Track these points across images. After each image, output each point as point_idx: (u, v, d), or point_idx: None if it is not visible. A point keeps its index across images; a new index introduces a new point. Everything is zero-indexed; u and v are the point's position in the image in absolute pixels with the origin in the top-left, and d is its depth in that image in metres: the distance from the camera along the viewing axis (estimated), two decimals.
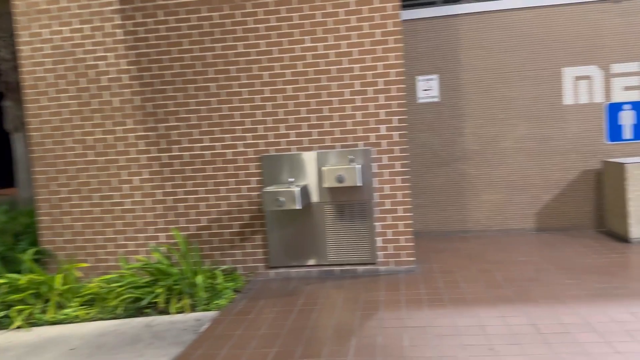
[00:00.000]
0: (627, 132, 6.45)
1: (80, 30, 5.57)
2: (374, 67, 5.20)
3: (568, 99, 6.54)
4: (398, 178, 5.25)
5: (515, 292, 4.46)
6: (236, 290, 5.13)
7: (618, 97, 6.44)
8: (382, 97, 5.22)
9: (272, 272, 5.47)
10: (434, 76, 6.78)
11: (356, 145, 5.28)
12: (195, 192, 5.52)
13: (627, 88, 6.42)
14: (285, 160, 5.33)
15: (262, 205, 5.24)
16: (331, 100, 5.28)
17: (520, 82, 6.61)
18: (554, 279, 4.72)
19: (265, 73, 5.35)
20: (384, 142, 5.25)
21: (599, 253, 5.48)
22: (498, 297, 4.37)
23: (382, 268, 5.33)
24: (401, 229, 5.28)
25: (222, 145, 5.45)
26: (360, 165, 5.05)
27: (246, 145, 5.42)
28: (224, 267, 5.39)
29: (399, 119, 5.21)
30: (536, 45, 6.55)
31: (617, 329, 3.56)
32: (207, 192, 5.50)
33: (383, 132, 5.24)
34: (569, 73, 6.51)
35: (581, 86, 6.50)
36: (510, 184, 6.71)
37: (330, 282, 5.17)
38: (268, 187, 5.12)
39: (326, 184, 5.02)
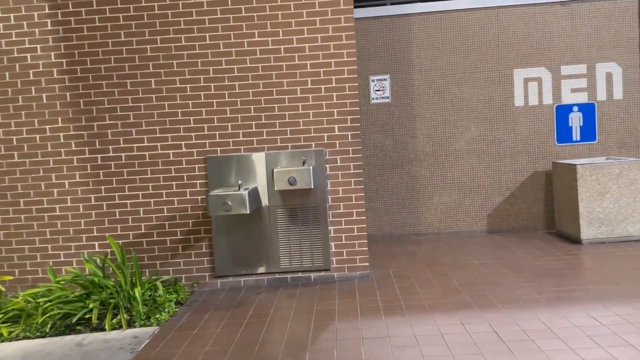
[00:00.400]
0: (576, 134, 6.52)
1: (5, 19, 5.03)
2: (327, 64, 4.96)
3: (519, 101, 6.55)
4: (352, 180, 5.03)
5: (473, 297, 4.32)
6: (179, 303, 4.74)
7: (567, 99, 6.50)
8: (335, 95, 4.98)
9: (219, 281, 5.11)
10: (386, 76, 6.63)
11: (309, 146, 5.01)
12: (134, 197, 5.08)
13: (575, 90, 6.49)
14: (233, 162, 5.00)
15: (207, 210, 4.87)
16: (282, 98, 4.99)
17: (472, 84, 6.56)
18: (511, 283, 4.62)
19: (211, 68, 5.00)
20: (337, 142, 5.01)
21: (552, 255, 5.46)
22: (456, 303, 4.21)
23: (336, 274, 5.08)
24: (355, 233, 5.05)
25: (163, 145, 5.05)
26: (312, 167, 4.78)
27: (190, 146, 5.04)
28: (166, 277, 4.98)
29: (352, 118, 4.99)
30: (487, 46, 6.52)
31: (579, 334, 3.46)
32: (146, 196, 5.08)
33: (336, 132, 5.00)
34: (519, 75, 6.51)
35: (531, 88, 6.52)
36: (462, 186, 6.64)
37: (282, 290, 4.86)
38: (214, 191, 4.76)
39: (277, 187, 4.73)
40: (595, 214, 5.69)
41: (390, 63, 6.62)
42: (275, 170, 4.73)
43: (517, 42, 6.48)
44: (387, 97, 6.64)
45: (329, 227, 5.05)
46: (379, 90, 6.63)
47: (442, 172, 6.65)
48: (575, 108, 6.50)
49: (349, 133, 5.00)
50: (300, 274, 5.08)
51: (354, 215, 5.04)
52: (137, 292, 4.46)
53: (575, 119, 6.51)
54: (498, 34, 6.49)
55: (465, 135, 6.60)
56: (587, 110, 6.48)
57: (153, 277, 5.01)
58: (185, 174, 5.06)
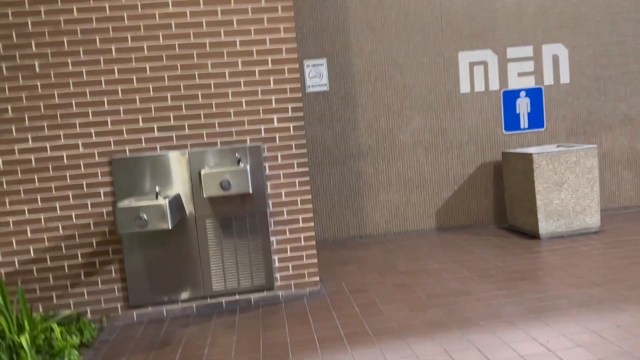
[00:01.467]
0: (523, 121, 6.14)
1: None
2: (261, 42, 4.10)
3: (464, 87, 6.05)
4: (296, 180, 4.22)
5: (446, 312, 3.68)
6: (84, 346, 3.70)
7: (514, 83, 6.10)
8: (272, 79, 4.14)
9: (135, 313, 4.11)
10: (322, 61, 5.87)
11: (242, 142, 4.13)
12: (17, 213, 3.95)
13: (522, 74, 6.10)
14: (147, 164, 4.01)
15: (115, 227, 3.85)
16: (206, 83, 4.07)
17: (416, 69, 5.97)
18: (483, 291, 4.04)
19: (113, 46, 3.97)
20: (277, 136, 4.17)
21: (514, 254, 4.98)
22: (430, 322, 3.54)
23: (281, 293, 4.26)
24: (302, 242, 4.26)
25: (53, 145, 3.95)
26: (249, 167, 3.91)
27: (89, 145, 3.98)
28: (65, 313, 3.90)
29: (294, 107, 4.18)
30: (430, 27, 5.95)
31: (586, 356, 2.90)
32: (34, 211, 3.96)
33: (275, 124, 4.16)
34: (464, 58, 6.01)
35: (477, 73, 6.05)
36: (409, 181, 6.05)
37: (217, 319, 3.97)
38: (123, 201, 3.76)
39: (207, 193, 3.81)
40: (554, 206, 5.30)
41: (326, 46, 5.87)
42: (202, 172, 3.81)
43: (461, 22, 5.97)
44: (325, 85, 5.89)
45: (271, 238, 4.21)
46: (315, 77, 5.86)
47: (387, 167, 6.01)
48: (523, 93, 6.11)
49: (291, 125, 4.18)
50: (237, 297, 4.20)
51: (300, 222, 4.24)
52: (25, 339, 3.38)
53: (523, 105, 6.12)
54: (441, 14, 5.94)
55: (410, 126, 6.01)
56: (535, 95, 6.12)
57: (48, 315, 3.92)
58: (84, 181, 4.00)
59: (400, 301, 3.98)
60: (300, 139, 4.20)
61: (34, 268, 3.99)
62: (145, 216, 3.56)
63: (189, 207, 4.07)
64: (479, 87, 6.06)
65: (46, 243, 3.99)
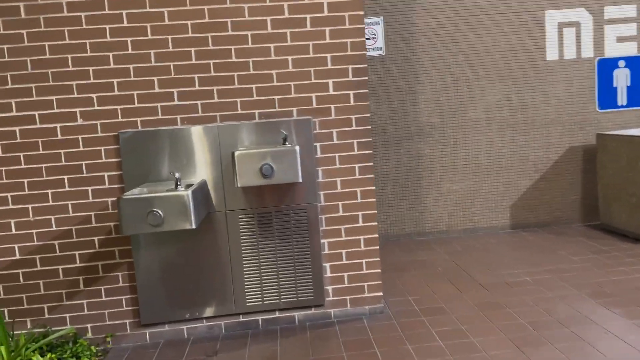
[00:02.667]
0: (621, 97, 5.01)
1: None
2: None
3: (552, 53, 4.94)
4: (357, 166, 3.23)
5: (570, 352, 2.68)
6: None
7: (611, 51, 4.96)
8: (328, 31, 3.13)
9: (148, 332, 3.21)
10: (378, 19, 4.82)
11: (288, 114, 3.15)
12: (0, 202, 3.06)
13: (622, 39, 4.96)
14: (164, 141, 3.07)
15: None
16: (242, 35, 3.08)
17: (493, 29, 4.88)
18: (607, 318, 3.03)
19: None
20: (332, 108, 3.18)
21: (624, 263, 3.93)
22: None
23: (334, 312, 3.31)
24: (362, 247, 3.28)
25: (43, 115, 3.03)
26: (299, 148, 2.91)
27: (90, 115, 3.05)
28: (59, 332, 3.00)
29: (356, 69, 3.17)
30: None
31: None
32: (19, 200, 3.06)
33: (331, 91, 3.17)
34: (552, 17, 4.89)
35: (567, 36, 4.93)
36: (479, 168, 5.00)
37: (253, 345, 3.04)
38: (132, 191, 2.83)
39: (242, 182, 2.85)
40: None
41: (383, 0, 4.81)
42: (236, 153, 2.84)
43: None
44: (380, 49, 4.85)
45: (322, 240, 3.24)
46: (368, 39, 4.82)
47: (453, 150, 4.97)
48: (622, 63, 4.98)
49: (351, 92, 3.18)
50: (277, 314, 3.27)
51: (360, 221, 3.26)
52: None
53: (622, 77, 4.99)
54: None
55: (483, 100, 4.94)
56: (637, 65, 4.98)
57: (37, 336, 3.04)
58: (83, 162, 3.08)
59: (496, 330, 2.99)
60: (363, 111, 3.20)
61: (20, 273, 3.11)
62: (160, 211, 2.62)
63: (217, 199, 3.12)
64: (569, 53, 4.95)
65: (35, 241, 3.09)
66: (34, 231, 3.09)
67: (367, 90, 3.19)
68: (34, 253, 3.10)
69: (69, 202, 3.09)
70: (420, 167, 4.98)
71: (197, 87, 3.09)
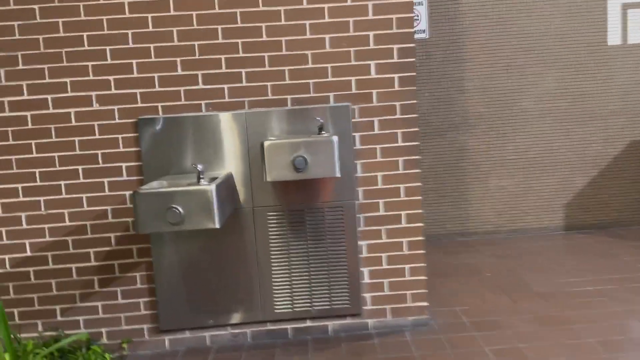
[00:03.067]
0: None
1: None
2: None
3: (614, 37, 4.45)
4: (399, 160, 2.86)
5: None
6: None
7: None
8: (370, 5, 2.76)
9: (167, 339, 2.92)
10: None
11: (324, 100, 2.81)
12: (8, 193, 2.81)
13: None
14: (186, 129, 2.76)
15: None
16: (274, 11, 2.75)
17: (548, 10, 4.42)
18: None
19: None
20: (374, 93, 2.82)
21: None
22: None
23: (371, 322, 2.96)
24: (405, 250, 2.92)
25: (56, 99, 2.76)
26: (336, 138, 2.56)
27: (106, 100, 2.77)
28: (71, 337, 2.73)
29: (401, 49, 2.80)
30: None
31: None
32: (29, 192, 2.81)
33: (373, 74, 2.80)
34: None
35: (632, 18, 4.43)
36: (531, 162, 4.56)
37: (280, 354, 2.72)
38: (151, 184, 2.54)
39: (272, 175, 2.52)
40: None
41: None
42: (266, 144, 2.51)
43: None
44: (423, 31, 4.44)
45: (360, 243, 2.90)
46: None
47: (502, 143, 4.55)
48: None
49: (396, 76, 2.81)
50: (309, 323, 2.94)
51: (404, 221, 2.90)
52: None
53: None
54: None
55: (536, 88, 4.49)
56: None
57: (48, 339, 2.79)
58: (99, 152, 2.80)
59: (563, 350, 2.60)
60: (409, 97, 2.83)
61: (31, 271, 2.86)
62: (180, 208, 2.31)
63: (244, 194, 2.81)
64: (634, 37, 4.45)
65: (47, 237, 2.84)
66: (46, 226, 2.83)
67: (414, 74, 2.82)
68: (46, 250, 2.85)
69: (84, 195, 2.81)
70: (465, 161, 4.57)
71: (223, 70, 2.77)
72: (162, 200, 2.32)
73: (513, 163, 4.55)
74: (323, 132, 2.65)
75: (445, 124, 4.53)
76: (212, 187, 2.34)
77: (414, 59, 2.81)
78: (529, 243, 4.38)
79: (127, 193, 2.82)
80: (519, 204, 4.60)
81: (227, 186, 2.62)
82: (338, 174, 2.51)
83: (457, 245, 4.46)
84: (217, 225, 2.34)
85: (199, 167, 2.47)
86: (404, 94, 2.82)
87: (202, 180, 2.47)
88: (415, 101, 2.83)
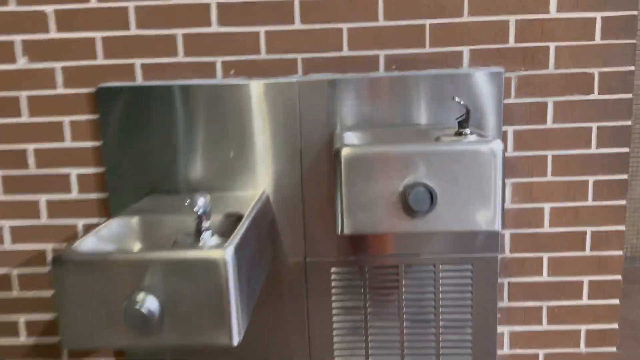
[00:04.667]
0: None
1: None
2: None
3: None
4: (591, 181, 1.49)
5: None
6: None
7: None
8: None
9: None
10: None
11: (453, 61, 1.43)
12: None
13: None
14: (185, 108, 1.44)
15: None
16: None
17: None
18: None
19: None
20: (552, 49, 1.42)
21: None
22: None
23: None
24: (585, 348, 1.59)
25: None
26: (501, 146, 1.18)
27: (42, 53, 1.46)
28: None
29: None
30: None
31: None
32: None
33: (553, 13, 1.40)
34: None
35: None
36: None
37: None
38: (95, 233, 1.24)
39: (355, 222, 1.17)
40: None
41: None
42: (345, 152, 1.15)
43: None
44: None
45: (500, 329, 1.57)
46: None
47: None
48: None
49: (599, 15, 1.40)
50: None
51: (586, 295, 1.55)
52: None
53: None
54: None
55: None
56: None
57: None
58: (31, 147, 1.51)
59: None
60: (622, 59, 1.43)
61: None
62: (153, 303, 1.02)
63: (290, 235, 1.50)
64: None
65: None
66: None
67: (635, 13, 1.41)
68: None
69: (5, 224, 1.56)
70: None
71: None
72: (115, 281, 1.03)
73: None
74: (466, 130, 1.25)
75: None
76: (226, 253, 1.03)
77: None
78: None
79: (80, 223, 1.55)
80: None
81: (257, 236, 1.30)
82: (498, 227, 1.16)
83: None
84: (235, 342, 1.04)
85: (200, 200, 1.15)
86: (612, 54, 1.42)
87: (204, 229, 1.16)
88: (632, 68, 1.43)
